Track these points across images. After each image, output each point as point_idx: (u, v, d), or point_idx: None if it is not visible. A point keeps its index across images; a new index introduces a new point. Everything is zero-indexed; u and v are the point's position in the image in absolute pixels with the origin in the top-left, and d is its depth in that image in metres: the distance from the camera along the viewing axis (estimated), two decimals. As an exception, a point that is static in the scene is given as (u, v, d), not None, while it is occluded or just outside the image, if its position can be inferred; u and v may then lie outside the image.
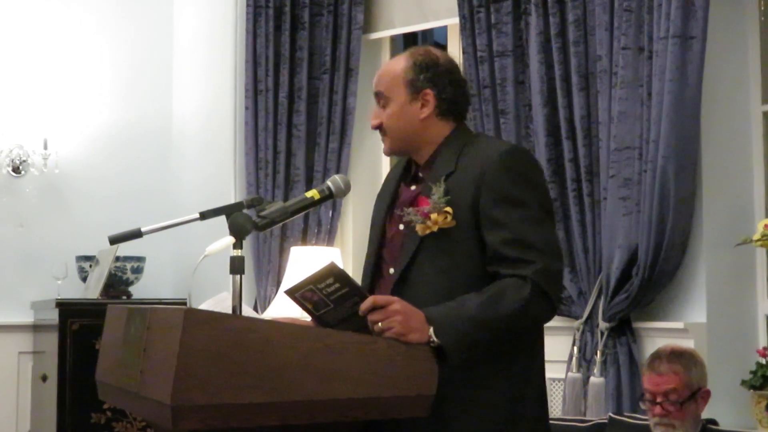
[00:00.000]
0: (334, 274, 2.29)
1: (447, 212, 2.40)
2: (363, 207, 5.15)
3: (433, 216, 2.40)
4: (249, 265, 5.17)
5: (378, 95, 2.56)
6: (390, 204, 2.60)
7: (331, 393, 2.18)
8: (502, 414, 2.39)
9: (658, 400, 3.19)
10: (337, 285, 2.30)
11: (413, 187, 2.56)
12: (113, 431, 5.02)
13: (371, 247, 2.63)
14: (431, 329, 2.28)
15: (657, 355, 3.30)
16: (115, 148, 5.81)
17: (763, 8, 4.01)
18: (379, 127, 2.56)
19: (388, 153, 2.61)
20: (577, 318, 4.00)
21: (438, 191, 2.41)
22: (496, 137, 4.15)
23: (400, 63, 2.54)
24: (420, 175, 2.56)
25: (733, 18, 3.98)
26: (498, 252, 2.36)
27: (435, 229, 2.40)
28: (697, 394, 3.19)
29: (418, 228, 2.42)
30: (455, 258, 2.40)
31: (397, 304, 2.28)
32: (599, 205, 3.97)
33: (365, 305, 2.29)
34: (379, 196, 2.69)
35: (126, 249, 4.68)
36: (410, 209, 2.45)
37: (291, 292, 2.37)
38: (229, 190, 5.38)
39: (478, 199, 2.39)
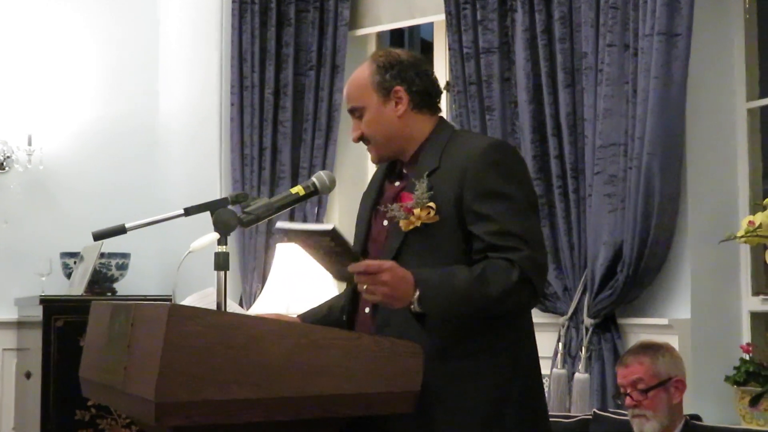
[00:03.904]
0: (332, 235, 2.28)
1: (430, 207, 2.41)
2: (349, 203, 5.15)
3: (416, 211, 2.41)
4: (234, 262, 5.15)
5: (352, 111, 2.58)
6: (375, 201, 2.62)
7: (316, 389, 2.18)
8: (487, 409, 2.39)
9: (627, 391, 3.22)
10: (332, 244, 2.30)
11: (397, 184, 2.57)
12: (98, 428, 5.01)
13: (356, 245, 2.63)
14: (417, 294, 2.29)
15: (627, 350, 3.37)
16: (100, 144, 5.78)
17: (747, 6, 4.02)
18: (361, 138, 2.57)
19: (377, 161, 2.63)
20: (562, 314, 4.01)
21: (421, 187, 2.42)
22: (479, 133, 4.16)
23: (364, 71, 2.56)
24: (405, 171, 2.57)
25: (718, 15, 3.99)
26: (486, 241, 2.37)
27: (418, 224, 2.41)
28: (668, 383, 3.20)
29: (402, 223, 2.43)
30: (439, 253, 2.41)
31: (386, 274, 2.27)
32: (584, 202, 3.98)
33: (357, 267, 2.29)
34: (365, 194, 2.71)
35: (111, 245, 4.68)
36: (394, 205, 2.46)
37: (284, 230, 2.37)
38: (215, 187, 5.37)
39: (461, 195, 2.40)
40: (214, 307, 2.34)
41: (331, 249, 2.33)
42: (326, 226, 2.29)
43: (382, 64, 2.54)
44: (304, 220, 5.10)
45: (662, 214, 3.73)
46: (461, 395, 2.38)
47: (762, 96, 4.00)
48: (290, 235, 2.39)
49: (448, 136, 2.53)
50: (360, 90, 2.55)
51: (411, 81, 2.53)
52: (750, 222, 3.14)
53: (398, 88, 2.52)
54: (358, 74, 2.58)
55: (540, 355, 2.56)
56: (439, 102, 2.61)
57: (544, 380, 4.09)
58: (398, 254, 2.44)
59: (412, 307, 2.30)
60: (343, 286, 2.70)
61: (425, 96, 2.55)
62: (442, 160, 2.47)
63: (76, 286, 5.24)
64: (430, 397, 2.34)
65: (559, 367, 3.96)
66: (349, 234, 2.63)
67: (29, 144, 5.48)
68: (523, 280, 2.34)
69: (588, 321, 3.90)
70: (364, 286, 2.29)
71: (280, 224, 2.41)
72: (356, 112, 2.56)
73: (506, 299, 2.34)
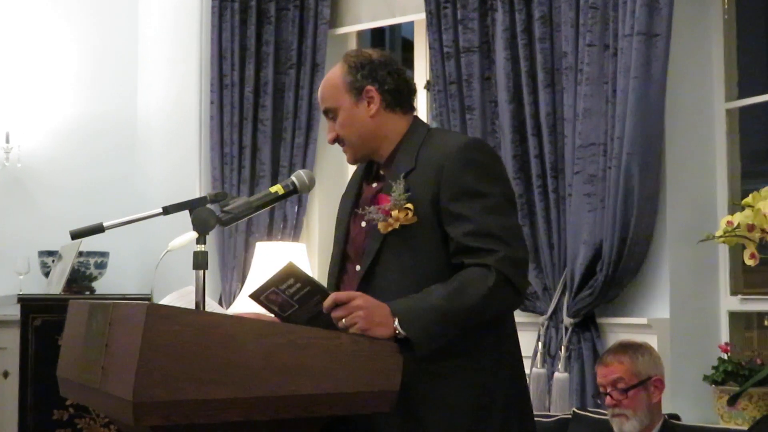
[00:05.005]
0: (293, 274, 2.29)
1: (408, 209, 2.41)
2: (329, 202, 5.14)
3: (394, 213, 2.41)
4: (214, 261, 5.14)
5: (326, 112, 2.57)
6: (354, 202, 2.61)
7: (295, 389, 2.18)
8: (473, 407, 2.39)
9: (607, 390, 3.23)
10: (298, 285, 2.30)
11: (374, 185, 2.57)
12: (76, 428, 4.98)
13: (336, 247, 2.63)
14: (396, 321, 2.28)
15: (606, 350, 3.38)
16: (79, 141, 5.75)
17: (726, 7, 4.04)
18: (336, 140, 2.57)
19: (353, 161, 2.63)
20: (541, 314, 4.02)
21: (398, 188, 2.42)
22: (454, 131, 4.16)
23: (336, 72, 2.57)
24: (381, 172, 2.57)
25: (697, 16, 4.01)
26: (461, 243, 2.38)
27: (397, 226, 2.41)
28: (648, 383, 3.22)
29: (380, 226, 2.43)
30: (419, 254, 2.41)
31: (359, 299, 2.28)
32: (564, 202, 3.99)
33: (327, 303, 2.29)
34: (344, 195, 2.71)
35: (89, 244, 4.66)
36: (372, 207, 2.46)
37: (255, 296, 2.36)
38: (194, 185, 5.35)
39: (438, 195, 2.41)
40: (192, 306, 2.33)
41: (301, 295, 2.31)
42: (282, 266, 2.28)
43: (353, 64, 2.54)
44: (284, 219, 5.10)
45: (641, 213, 3.75)
46: (447, 395, 2.38)
47: (741, 97, 4.02)
48: (263, 301, 2.37)
49: (423, 135, 2.53)
50: (332, 91, 2.55)
51: (382, 80, 2.53)
52: (728, 222, 3.15)
53: (369, 87, 2.52)
54: (330, 75, 2.58)
55: (520, 354, 2.56)
56: (413, 101, 2.60)
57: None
58: (378, 256, 2.44)
59: (397, 333, 2.28)
60: (324, 284, 2.69)
61: (397, 95, 2.55)
62: (418, 159, 2.47)
63: (54, 285, 5.21)
64: (415, 398, 2.34)
65: (538, 366, 3.97)
66: (328, 235, 2.62)
67: (7, 141, 5.45)
68: (502, 283, 2.34)
69: (567, 320, 3.90)
70: (343, 321, 2.27)
71: (250, 295, 2.40)
72: (330, 113, 2.56)
73: (487, 305, 2.33)
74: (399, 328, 2.28)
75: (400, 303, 2.32)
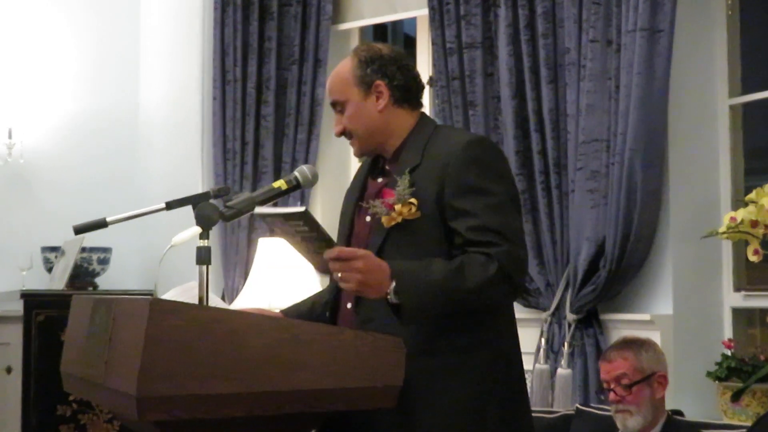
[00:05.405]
0: (305, 218, 2.29)
1: (412, 203, 2.41)
2: (331, 198, 5.14)
3: (398, 207, 2.41)
4: (216, 256, 5.14)
5: (334, 104, 2.59)
6: (358, 197, 2.62)
7: (298, 384, 2.18)
8: (469, 404, 2.39)
9: (611, 386, 3.23)
10: (306, 228, 2.31)
11: (380, 180, 2.57)
12: (79, 423, 4.99)
13: (340, 241, 2.63)
14: (393, 285, 2.29)
15: (610, 346, 3.39)
16: (81, 137, 5.75)
17: (729, 2, 4.03)
18: (343, 133, 2.58)
19: (359, 154, 2.63)
20: (544, 310, 4.02)
21: (403, 183, 2.43)
22: (461, 128, 4.16)
23: (346, 65, 2.57)
24: (387, 168, 2.57)
25: (701, 12, 4.00)
26: (464, 237, 2.38)
27: (399, 220, 2.42)
28: (652, 378, 3.22)
29: (384, 220, 2.43)
30: (421, 249, 2.41)
31: (359, 262, 2.28)
32: (567, 198, 3.98)
33: (330, 253, 2.30)
34: (348, 190, 2.72)
35: (92, 240, 4.65)
36: (376, 201, 2.46)
37: (262, 215, 2.38)
38: (197, 181, 5.35)
39: (442, 191, 2.41)
40: (195, 301, 2.33)
41: (305, 235, 2.33)
42: (298, 208, 2.30)
43: (363, 59, 2.55)
44: (287, 215, 5.09)
45: (644, 209, 3.74)
46: (443, 391, 2.38)
47: (744, 92, 4.01)
48: (268, 222, 2.39)
49: (430, 132, 2.54)
50: (341, 84, 2.56)
51: (392, 76, 2.54)
52: (732, 218, 3.14)
53: (379, 82, 2.53)
54: (340, 68, 2.59)
55: (522, 350, 2.56)
56: (420, 97, 2.61)
57: (526, 375, 4.11)
58: (381, 250, 2.44)
59: (389, 297, 2.29)
60: (326, 281, 2.70)
61: (406, 91, 2.55)
62: (424, 156, 2.48)
63: (57, 281, 5.21)
64: (412, 393, 2.34)
65: (541, 362, 3.97)
66: (332, 229, 2.63)
67: (9, 137, 5.45)
68: (501, 275, 2.34)
69: (570, 316, 3.90)
70: (338, 274, 2.29)
71: (259, 209, 2.42)
72: (338, 106, 2.57)
73: (483, 292, 2.34)
74: (392, 294, 2.29)
75: (401, 267, 2.32)
